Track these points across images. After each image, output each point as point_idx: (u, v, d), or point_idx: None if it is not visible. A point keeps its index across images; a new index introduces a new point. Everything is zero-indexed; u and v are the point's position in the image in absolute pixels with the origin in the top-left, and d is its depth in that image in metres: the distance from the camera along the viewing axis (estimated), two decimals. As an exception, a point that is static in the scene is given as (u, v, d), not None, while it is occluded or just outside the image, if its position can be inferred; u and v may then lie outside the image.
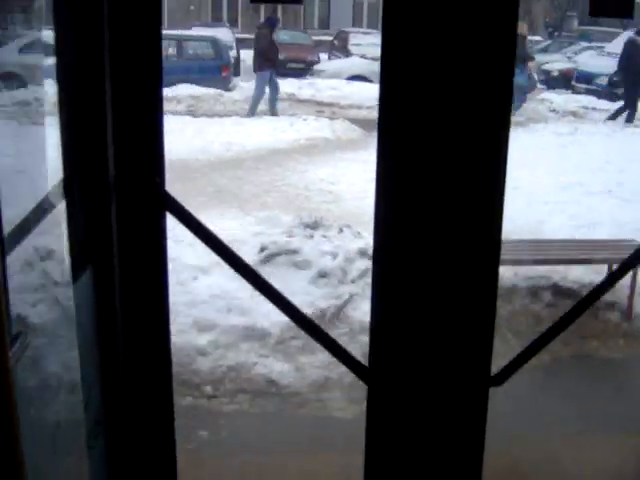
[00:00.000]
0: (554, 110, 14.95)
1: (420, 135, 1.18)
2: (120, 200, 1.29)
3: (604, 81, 16.05)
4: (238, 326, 4.53)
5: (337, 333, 4.68)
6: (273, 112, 13.17)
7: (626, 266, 1.51)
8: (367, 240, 5.20)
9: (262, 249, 4.98)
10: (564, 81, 20.08)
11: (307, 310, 4.70)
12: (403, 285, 1.24)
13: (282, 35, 22.39)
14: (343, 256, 4.87)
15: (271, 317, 4.59)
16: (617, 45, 17.36)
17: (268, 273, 4.85)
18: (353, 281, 4.75)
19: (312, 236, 4.99)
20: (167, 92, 14.83)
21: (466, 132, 1.17)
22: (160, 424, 1.38)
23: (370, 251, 4.65)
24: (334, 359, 4.57)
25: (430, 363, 1.28)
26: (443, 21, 1.13)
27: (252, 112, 13.14)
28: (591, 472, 3.63)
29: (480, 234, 1.22)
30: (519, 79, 13.33)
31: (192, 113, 13.85)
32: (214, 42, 15.81)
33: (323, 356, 4.64)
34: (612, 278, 1.46)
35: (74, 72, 1.23)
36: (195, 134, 11.13)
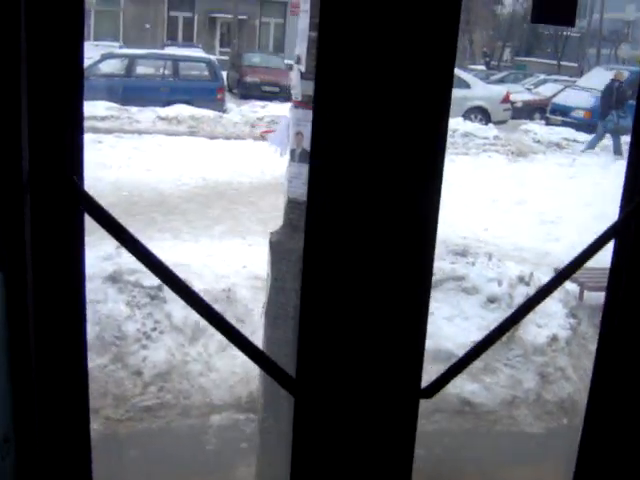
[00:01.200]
0: (538, 141, 15.56)
1: (356, 136, 1.18)
2: (35, 199, 1.21)
3: (580, 114, 16.94)
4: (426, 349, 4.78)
5: (512, 355, 5.01)
6: None
7: (558, 280, 1.52)
8: (520, 267, 5.56)
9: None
10: (528, 112, 21.14)
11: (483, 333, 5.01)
12: (333, 293, 1.24)
13: (253, 58, 22.56)
14: (507, 282, 5.20)
15: (455, 339, 4.87)
16: (588, 80, 18.46)
17: (440, 299, 5.14)
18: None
19: (474, 263, 5.30)
20: (167, 112, 14.81)
21: (403, 132, 1.18)
22: (76, 438, 1.34)
23: (527, 278, 4.97)
24: (519, 378, 4.89)
25: (359, 375, 1.27)
26: (381, 22, 1.14)
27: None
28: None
29: (414, 243, 1.22)
30: (627, 122, 13.29)
31: (194, 134, 13.90)
32: (209, 64, 15.91)
33: (504, 376, 4.96)
34: (545, 291, 1.45)
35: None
36: (229, 156, 11.29)
